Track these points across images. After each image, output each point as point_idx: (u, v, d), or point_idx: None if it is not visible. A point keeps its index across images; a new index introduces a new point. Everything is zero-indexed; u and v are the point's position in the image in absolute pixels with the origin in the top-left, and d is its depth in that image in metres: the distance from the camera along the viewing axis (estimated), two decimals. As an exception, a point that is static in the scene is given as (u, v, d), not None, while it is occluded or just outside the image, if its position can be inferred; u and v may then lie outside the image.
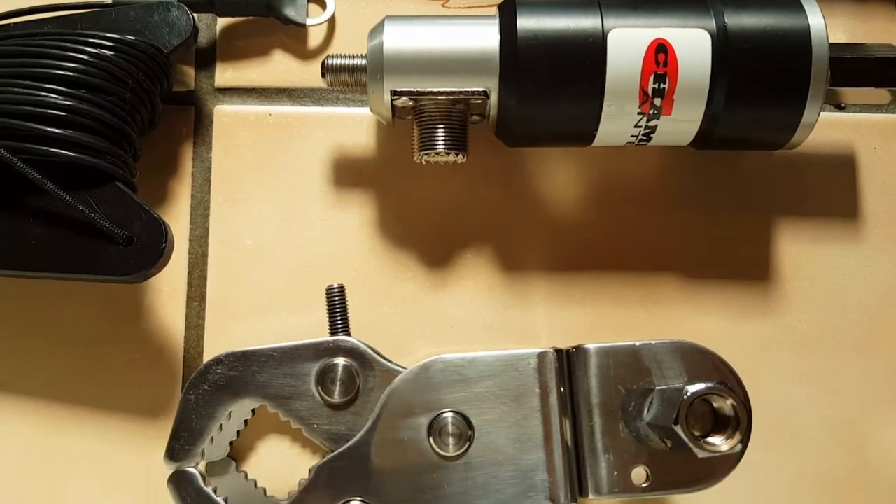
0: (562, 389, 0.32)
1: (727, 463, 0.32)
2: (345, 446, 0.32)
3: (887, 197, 0.40)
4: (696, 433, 0.28)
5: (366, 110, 0.39)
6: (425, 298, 0.38)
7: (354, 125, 0.39)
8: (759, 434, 0.37)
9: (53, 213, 0.33)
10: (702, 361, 0.32)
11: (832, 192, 0.40)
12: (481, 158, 0.38)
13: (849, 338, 0.38)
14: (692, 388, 0.28)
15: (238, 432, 0.36)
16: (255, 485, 0.36)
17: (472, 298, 0.38)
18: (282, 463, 0.37)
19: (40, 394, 0.37)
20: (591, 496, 0.32)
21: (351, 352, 0.33)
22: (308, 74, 0.39)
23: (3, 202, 0.33)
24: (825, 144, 0.40)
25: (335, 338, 0.33)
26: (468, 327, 0.38)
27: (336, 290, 0.34)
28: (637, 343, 0.32)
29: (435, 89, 0.33)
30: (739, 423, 0.28)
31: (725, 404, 0.28)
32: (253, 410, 0.36)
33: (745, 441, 0.29)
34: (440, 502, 0.31)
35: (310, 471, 0.32)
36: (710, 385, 0.28)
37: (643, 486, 0.32)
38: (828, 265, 0.39)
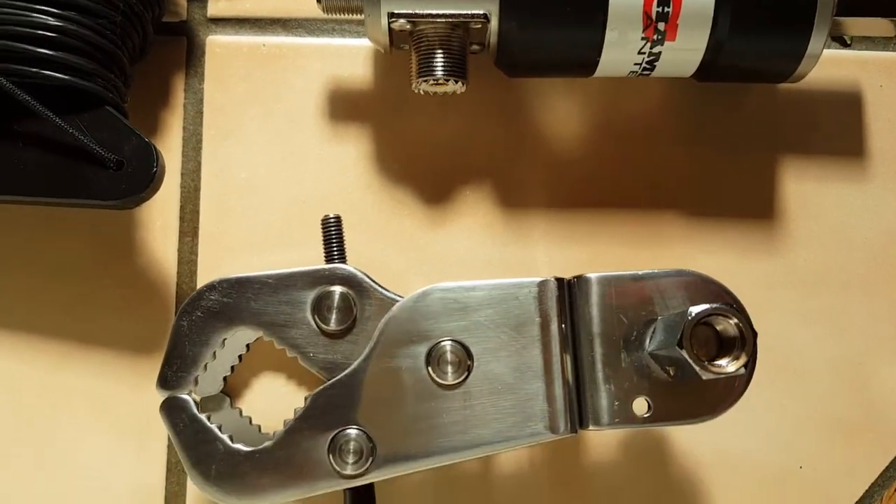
0: (563, 319, 0.31)
1: (731, 395, 0.31)
2: (341, 374, 0.31)
3: (893, 135, 0.39)
4: (701, 358, 0.28)
5: (362, 41, 0.38)
6: (423, 235, 0.37)
7: (350, 56, 0.38)
8: (762, 373, 0.36)
9: (43, 138, 0.32)
10: (705, 291, 0.31)
11: (838, 131, 0.39)
12: (481, 92, 0.37)
13: (854, 277, 0.38)
14: (696, 309, 0.28)
15: (232, 367, 0.35)
16: (250, 421, 0.35)
17: (471, 235, 0.37)
18: (276, 401, 0.36)
19: (32, 328, 0.36)
20: (591, 427, 0.31)
21: (348, 280, 0.32)
22: (302, 3, 0.38)
23: (-10, 126, 0.32)
24: (831, 82, 0.39)
25: (332, 265, 0.32)
26: (467, 264, 0.37)
27: (332, 221, 0.33)
28: (640, 272, 0.31)
29: (433, 11, 0.32)
30: (745, 343, 0.27)
31: (730, 324, 0.27)
32: (248, 346, 0.35)
33: (750, 364, 0.28)
34: (438, 431, 0.31)
35: (305, 399, 0.31)
36: (714, 306, 0.28)
37: (645, 416, 0.31)
38: (833, 204, 0.38)
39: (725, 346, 0.28)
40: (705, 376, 0.27)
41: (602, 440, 0.36)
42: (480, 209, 0.37)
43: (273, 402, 0.36)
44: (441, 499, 0.36)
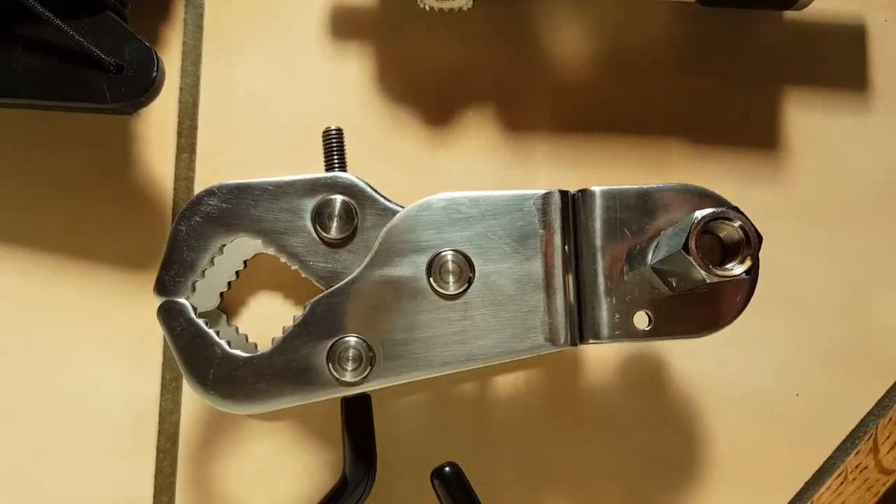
0: (566, 232, 0.31)
1: (732, 309, 0.31)
2: (342, 282, 0.31)
3: (896, 69, 0.39)
4: (706, 262, 0.28)
5: (367, -42, 0.37)
6: (425, 157, 0.37)
7: (354, -27, 0.37)
8: (759, 302, 0.36)
9: (44, 41, 0.32)
10: (709, 203, 0.31)
11: (842, 64, 0.39)
12: (486, 13, 0.37)
13: (854, 208, 0.38)
14: (702, 213, 0.27)
15: (229, 284, 0.35)
16: (247, 339, 0.35)
17: (474, 158, 0.37)
18: (274, 320, 0.36)
19: (28, 242, 0.36)
20: (591, 340, 0.31)
21: (349, 188, 0.31)
22: (307, -81, 0.38)
23: (-9, 29, 0.32)
24: (836, 16, 0.39)
25: (333, 174, 0.32)
26: (468, 186, 0.36)
27: (334, 132, 0.33)
28: (644, 186, 0.31)
29: (441, -79, 0.32)
30: (750, 245, 0.27)
31: (734, 228, 0.27)
32: (245, 263, 0.35)
33: (753, 270, 0.28)
34: (438, 341, 0.30)
35: (305, 306, 0.31)
36: (720, 209, 0.27)
37: (645, 330, 0.31)
38: (835, 136, 0.38)
39: (730, 253, 0.28)
40: (710, 279, 0.27)
41: (600, 365, 0.36)
42: (483, 131, 0.37)
43: (269, 322, 0.36)
44: (438, 420, 0.36)
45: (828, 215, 0.38)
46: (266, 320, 0.36)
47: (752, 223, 0.28)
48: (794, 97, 0.38)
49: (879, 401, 0.37)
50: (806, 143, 0.38)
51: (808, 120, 0.38)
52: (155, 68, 0.31)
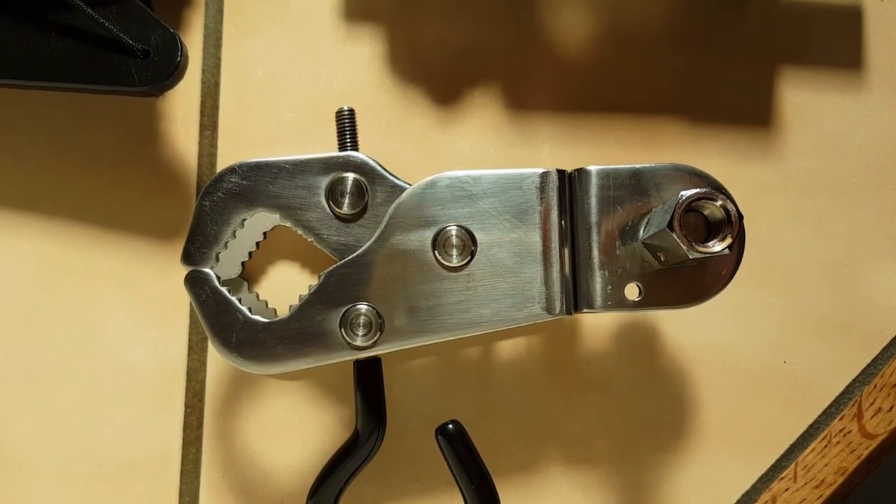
0: (562, 208, 0.33)
1: (718, 281, 0.33)
2: (353, 255, 0.33)
3: (891, 49, 0.40)
4: (690, 240, 0.30)
5: (378, -56, 0.39)
6: (433, 134, 0.39)
7: (367, -41, 0.39)
8: (751, 273, 0.38)
9: (75, 28, 0.34)
10: (698, 183, 0.33)
11: (837, 43, 0.40)
12: (491, -2, 0.39)
13: (845, 183, 0.39)
14: (687, 193, 0.29)
15: (250, 253, 0.37)
16: (266, 305, 0.37)
17: (479, 136, 0.39)
18: (292, 287, 0.38)
19: (61, 213, 0.38)
20: (584, 309, 0.33)
21: (361, 167, 0.34)
22: None
23: (25, 16, 0.34)
24: (833, -5, 0.40)
25: (345, 153, 0.34)
26: (474, 163, 0.39)
27: (346, 113, 0.35)
28: (637, 165, 0.33)
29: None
30: (731, 224, 0.29)
31: (716, 207, 0.29)
32: (265, 234, 0.37)
33: (735, 246, 0.30)
34: (442, 309, 0.33)
35: (319, 276, 0.33)
36: (703, 189, 0.29)
37: (636, 301, 0.33)
38: (829, 113, 0.40)
39: (714, 230, 0.30)
40: (692, 255, 0.29)
41: (596, 332, 0.39)
42: (489, 110, 0.39)
43: (287, 289, 0.38)
44: (443, 382, 0.38)
45: (819, 190, 0.39)
46: (284, 288, 0.38)
47: (734, 202, 0.29)
48: (788, 75, 0.40)
49: (864, 369, 0.39)
50: (799, 120, 0.39)
51: (801, 98, 0.40)
52: (179, 53, 0.33)
